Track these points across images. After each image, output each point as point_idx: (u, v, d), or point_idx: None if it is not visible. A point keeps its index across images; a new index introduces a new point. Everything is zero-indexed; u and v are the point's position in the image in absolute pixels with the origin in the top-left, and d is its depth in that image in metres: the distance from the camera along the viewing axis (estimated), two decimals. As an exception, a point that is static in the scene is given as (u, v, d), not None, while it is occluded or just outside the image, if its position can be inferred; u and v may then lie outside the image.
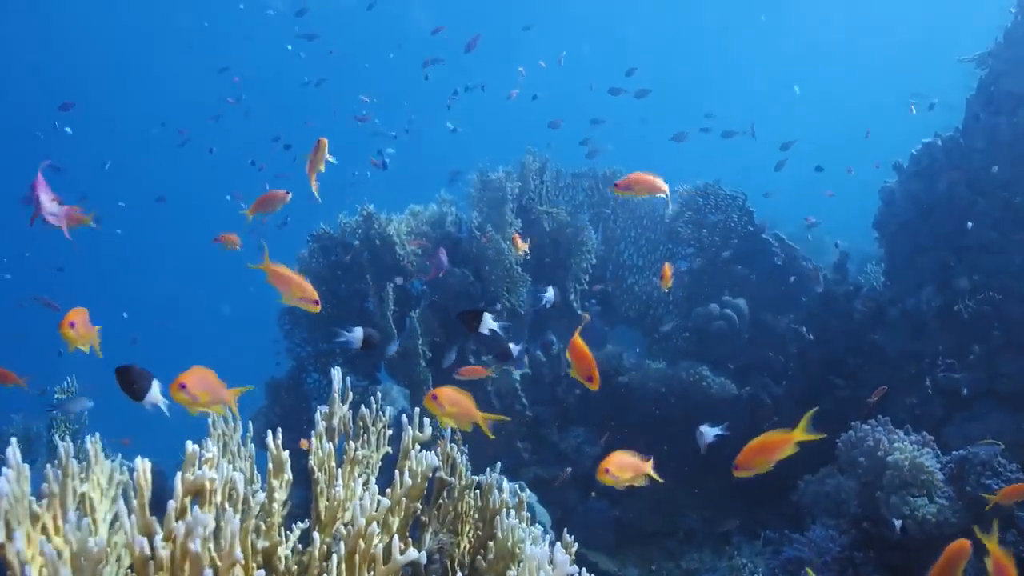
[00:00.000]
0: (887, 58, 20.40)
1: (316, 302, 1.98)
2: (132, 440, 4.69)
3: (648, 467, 1.91)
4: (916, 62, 16.88)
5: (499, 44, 12.52)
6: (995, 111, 4.25)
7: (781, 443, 1.83)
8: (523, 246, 3.82)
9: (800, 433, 1.81)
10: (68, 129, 7.16)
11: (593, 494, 4.23)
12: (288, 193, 2.69)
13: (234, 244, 2.92)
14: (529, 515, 1.64)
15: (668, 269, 3.13)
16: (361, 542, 1.03)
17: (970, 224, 4.12)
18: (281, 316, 4.81)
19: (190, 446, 1.07)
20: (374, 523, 1.06)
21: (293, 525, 1.44)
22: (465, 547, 1.61)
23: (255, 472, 1.42)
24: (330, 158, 2.60)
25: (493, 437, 2.10)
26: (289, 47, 11.52)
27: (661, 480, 1.93)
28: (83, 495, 1.10)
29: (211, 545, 1.02)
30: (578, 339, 2.10)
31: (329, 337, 4.71)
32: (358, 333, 2.56)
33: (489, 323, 2.38)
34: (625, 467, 1.91)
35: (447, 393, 1.84)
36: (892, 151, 4.82)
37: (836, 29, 21.39)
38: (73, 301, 1.66)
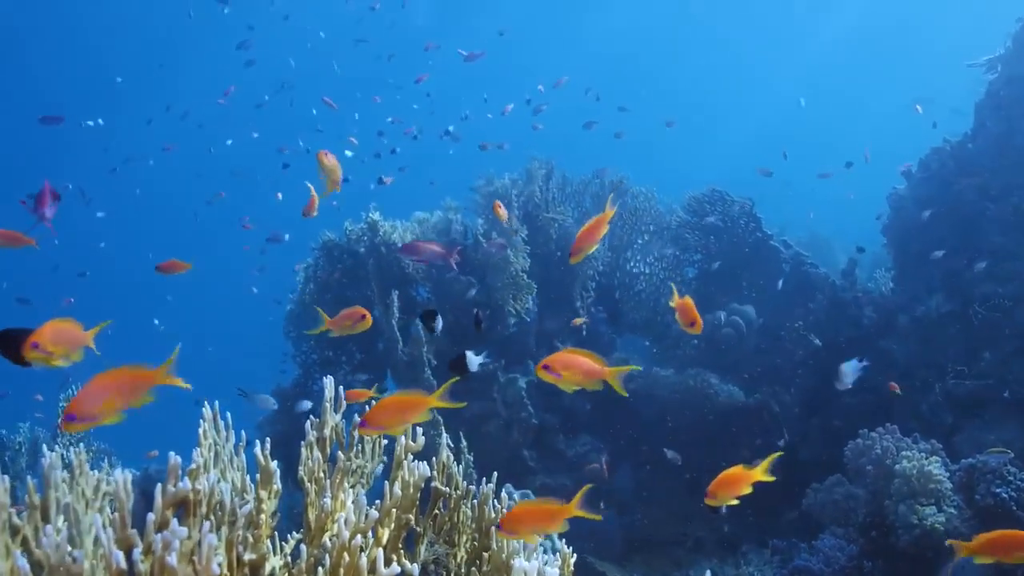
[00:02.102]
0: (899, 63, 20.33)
1: (364, 316, 2.05)
2: (142, 445, 4.68)
3: (568, 511, 1.38)
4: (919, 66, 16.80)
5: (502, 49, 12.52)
6: (1005, 116, 4.21)
7: (740, 481, 1.83)
8: (503, 214, 3.66)
9: (759, 474, 1.82)
10: (92, 121, 7.22)
11: (601, 503, 4.20)
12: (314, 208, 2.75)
13: (181, 268, 2.85)
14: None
15: (692, 307, 2.32)
16: (346, 555, 1.02)
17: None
18: (287, 324, 4.80)
19: (172, 457, 1.05)
20: (358, 536, 1.04)
21: (290, 535, 1.42)
22: (462, 558, 1.58)
23: (247, 482, 1.40)
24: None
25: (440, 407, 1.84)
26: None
27: (597, 517, 1.49)
28: (67, 506, 1.08)
29: (195, 558, 1.01)
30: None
31: (334, 344, 4.69)
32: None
33: (474, 363, 2.28)
34: (522, 521, 1.39)
35: (378, 412, 1.44)
36: (902, 157, 4.78)
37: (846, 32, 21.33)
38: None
